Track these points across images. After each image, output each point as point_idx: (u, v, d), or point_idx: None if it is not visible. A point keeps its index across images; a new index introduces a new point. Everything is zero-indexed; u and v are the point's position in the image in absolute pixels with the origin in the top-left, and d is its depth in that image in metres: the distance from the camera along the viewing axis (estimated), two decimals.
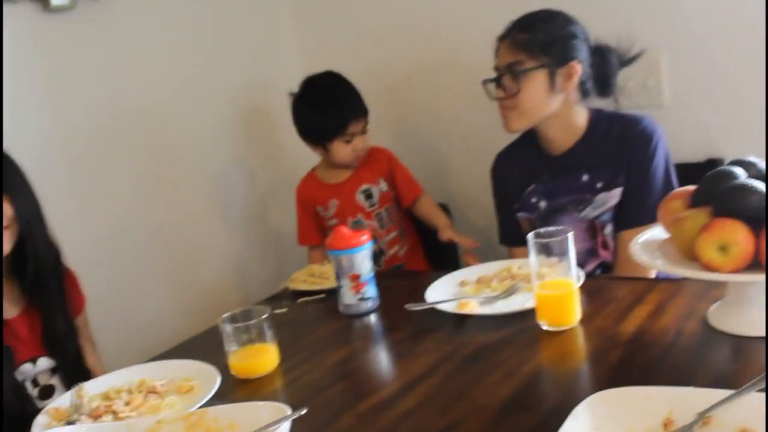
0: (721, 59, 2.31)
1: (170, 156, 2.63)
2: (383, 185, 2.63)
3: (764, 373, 1.16)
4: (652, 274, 1.99)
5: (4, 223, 1.74)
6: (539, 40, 2.05)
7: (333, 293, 2.02)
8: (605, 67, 2.12)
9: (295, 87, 2.61)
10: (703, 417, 1.11)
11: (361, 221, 2.62)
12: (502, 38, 2.12)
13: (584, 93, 2.12)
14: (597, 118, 2.16)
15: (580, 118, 2.15)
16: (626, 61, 2.16)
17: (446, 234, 2.44)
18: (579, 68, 2.06)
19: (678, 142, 2.24)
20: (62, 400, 1.60)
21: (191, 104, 2.69)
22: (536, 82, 2.05)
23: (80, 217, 2.34)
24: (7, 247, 1.75)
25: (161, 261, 2.59)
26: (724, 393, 1.13)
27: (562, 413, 1.15)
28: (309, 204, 2.69)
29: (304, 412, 1.17)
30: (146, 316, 2.52)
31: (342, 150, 2.54)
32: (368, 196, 2.62)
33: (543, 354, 1.53)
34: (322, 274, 2.17)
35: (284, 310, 2.00)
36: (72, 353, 1.89)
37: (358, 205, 2.62)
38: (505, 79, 2.09)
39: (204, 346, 1.80)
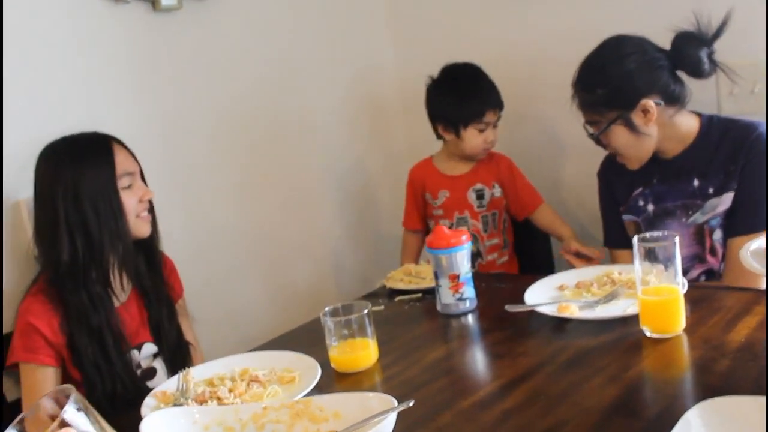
0: None
1: (270, 154, 2.68)
2: (497, 190, 2.62)
3: None
4: (762, 285, 1.93)
5: (149, 198, 1.87)
6: (600, 98, 2.05)
7: (429, 293, 2.03)
8: (685, 57, 2.05)
9: (393, 80, 2.63)
10: None
11: (467, 219, 2.61)
12: (573, 96, 2.12)
13: (675, 101, 2.06)
14: (709, 123, 2.11)
15: (688, 125, 2.11)
16: (714, 35, 2.05)
17: (572, 246, 2.36)
18: (650, 101, 2.01)
19: None
20: (169, 384, 1.65)
21: (292, 101, 2.74)
22: (618, 133, 2.07)
23: (182, 213, 2.40)
24: (150, 227, 1.89)
25: (258, 257, 2.65)
26: None
27: (669, 419, 1.13)
28: (419, 189, 2.69)
29: (411, 404, 1.18)
30: (243, 310, 2.57)
31: (474, 138, 2.53)
32: (479, 196, 2.61)
33: (647, 361, 1.50)
34: (419, 273, 2.19)
35: (381, 308, 2.01)
36: (173, 337, 1.95)
37: (468, 203, 2.61)
38: (596, 137, 2.11)
39: (304, 340, 1.83)
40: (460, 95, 2.52)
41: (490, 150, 2.60)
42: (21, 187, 1.95)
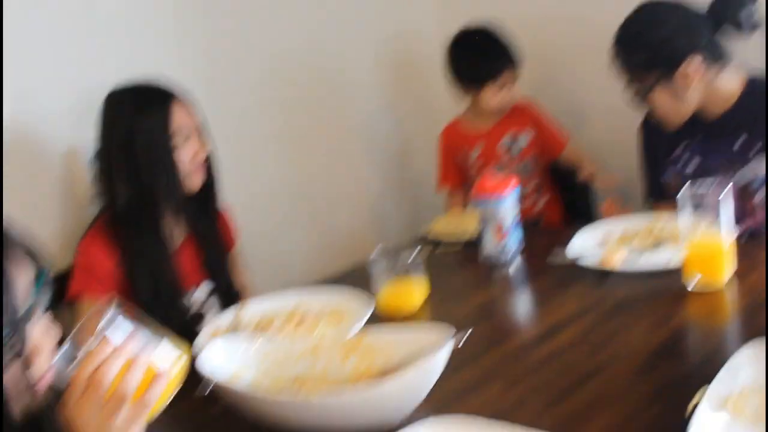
0: None
1: (313, 110, 2.71)
2: (527, 136, 2.66)
3: None
4: None
5: (204, 156, 1.90)
6: (640, 61, 2.03)
7: (472, 243, 2.06)
8: (728, 12, 2.04)
9: (436, 39, 2.65)
10: None
11: (502, 169, 2.63)
12: (612, 59, 2.11)
13: (718, 60, 2.05)
14: (753, 82, 2.10)
15: (731, 85, 2.09)
16: None
17: (586, 171, 2.41)
18: (694, 61, 2.00)
19: None
20: (222, 319, 1.71)
21: (337, 55, 2.76)
22: (659, 96, 2.05)
23: (232, 164, 2.42)
24: (201, 180, 1.91)
25: (303, 209, 2.69)
26: None
27: (714, 363, 1.15)
28: (452, 149, 2.73)
29: (468, 334, 1.21)
30: (289, 258, 2.62)
31: (492, 97, 2.57)
32: (510, 146, 2.65)
33: (691, 309, 1.53)
34: (462, 223, 2.21)
35: (426, 255, 2.03)
36: (226, 283, 2.00)
37: (500, 154, 2.65)
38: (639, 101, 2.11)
39: (351, 282, 1.87)
40: (476, 54, 2.57)
41: (509, 106, 2.64)
42: (77, 134, 2.00)
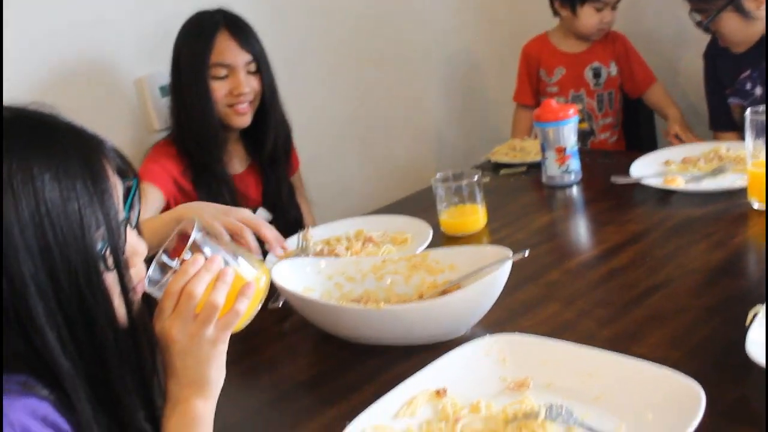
0: None
1: (378, 30, 2.71)
2: (613, 68, 2.59)
3: None
4: None
5: (251, 96, 1.90)
6: None
7: (534, 167, 2.08)
8: None
9: None
10: None
11: (582, 97, 2.60)
12: None
13: None
14: None
15: None
16: None
17: (674, 128, 2.35)
18: None
19: None
20: (289, 242, 1.77)
21: None
22: (727, 20, 2.01)
23: (294, 90, 2.46)
24: (248, 120, 1.92)
25: (365, 134, 2.72)
26: None
27: None
28: (534, 64, 2.67)
29: (526, 253, 1.25)
30: (350, 185, 2.66)
31: (590, 17, 2.49)
32: (596, 74, 2.59)
33: (753, 230, 1.53)
34: (524, 148, 2.23)
35: (486, 179, 2.06)
36: (287, 208, 2.06)
37: (585, 81, 2.60)
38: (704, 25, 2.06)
39: (413, 207, 1.91)
40: None
41: (604, 32, 2.56)
42: (141, 64, 2.06)
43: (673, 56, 2.78)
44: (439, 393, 1.06)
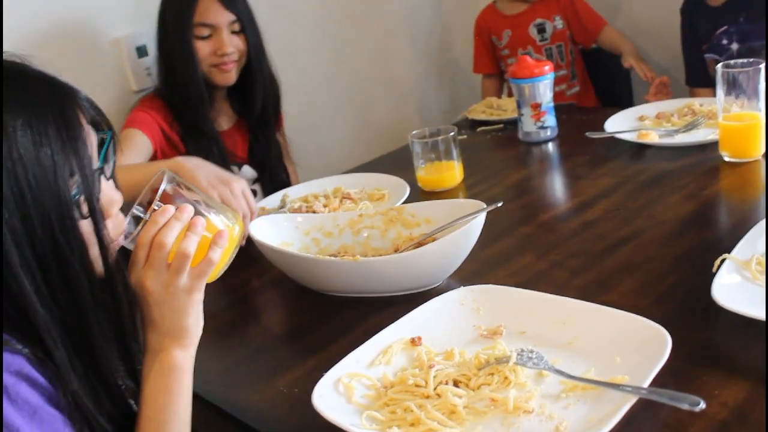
0: None
1: (356, 4, 2.71)
2: (558, 23, 2.65)
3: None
4: None
5: (236, 56, 1.90)
6: None
7: (510, 124, 2.10)
8: None
9: None
10: None
11: (531, 54, 2.64)
12: None
13: None
14: None
15: None
16: None
17: (628, 61, 2.42)
18: None
19: None
20: (269, 200, 1.79)
21: None
22: None
23: (280, 58, 2.46)
24: (232, 78, 1.92)
25: (348, 97, 2.73)
26: None
27: (741, 232, 1.19)
28: (485, 33, 2.75)
29: (500, 204, 1.27)
30: (333, 145, 2.68)
31: None
32: (541, 30, 2.65)
33: (724, 182, 1.56)
34: (500, 105, 2.25)
35: (464, 137, 2.09)
36: (274, 167, 2.06)
37: (530, 38, 2.66)
38: None
39: (390, 164, 1.93)
40: None
41: None
42: (118, 25, 2.05)
43: (639, 17, 2.80)
44: (414, 341, 1.09)
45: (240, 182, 1.49)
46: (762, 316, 0.97)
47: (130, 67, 2.07)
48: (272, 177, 2.05)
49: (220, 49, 1.87)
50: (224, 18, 1.87)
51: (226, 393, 1.11)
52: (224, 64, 1.90)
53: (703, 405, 0.84)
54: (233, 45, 1.89)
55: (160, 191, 0.93)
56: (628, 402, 0.87)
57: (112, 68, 2.07)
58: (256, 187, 2.04)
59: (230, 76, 1.92)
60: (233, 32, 1.89)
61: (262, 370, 1.15)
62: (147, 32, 2.02)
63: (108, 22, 2.04)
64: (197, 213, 0.94)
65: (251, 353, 1.22)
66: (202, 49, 1.87)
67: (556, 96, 2.61)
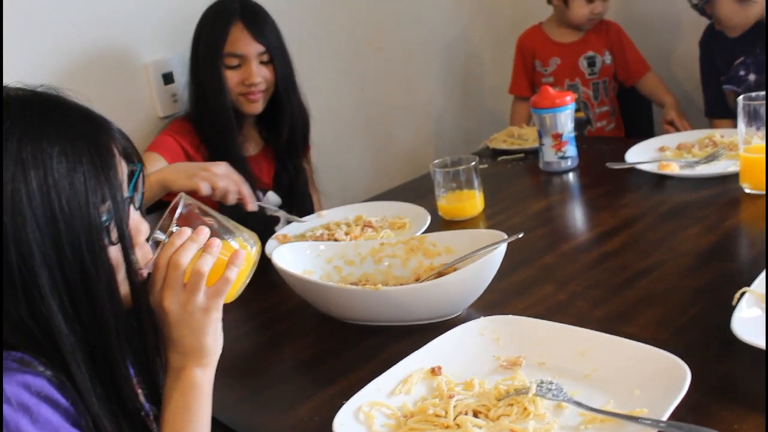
0: None
1: (377, 25, 2.73)
2: (607, 57, 2.62)
3: None
4: None
5: (263, 86, 1.94)
6: None
7: (532, 154, 2.11)
8: None
9: None
10: None
11: (578, 86, 2.63)
12: None
13: None
14: None
15: None
16: None
17: (670, 114, 2.40)
18: None
19: None
20: (288, 229, 1.81)
21: None
22: (724, 3, 2.05)
23: (310, 75, 2.49)
24: (260, 108, 1.96)
25: (365, 124, 2.74)
26: None
27: (763, 263, 1.20)
28: (528, 55, 2.71)
29: (521, 235, 1.28)
30: (350, 173, 2.69)
31: (581, 8, 2.53)
32: (591, 63, 2.62)
33: (744, 214, 1.56)
34: (522, 135, 2.26)
35: (485, 166, 2.10)
36: (302, 197, 2.09)
37: (580, 70, 2.63)
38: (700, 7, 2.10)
39: (411, 193, 1.95)
40: None
41: (597, 21, 2.58)
42: (146, 51, 2.09)
43: (668, 45, 2.79)
44: (434, 371, 1.09)
45: (220, 164, 1.56)
46: None
47: (157, 94, 2.11)
48: (297, 204, 2.07)
49: (248, 79, 1.91)
50: (253, 49, 1.91)
51: (247, 419, 1.12)
52: (252, 93, 1.93)
53: None
54: (261, 75, 1.92)
55: (176, 215, 0.96)
56: None
57: (140, 94, 2.10)
58: (280, 213, 2.06)
59: (257, 105, 1.95)
60: (262, 62, 1.93)
61: (282, 397, 1.16)
62: (174, 58, 2.07)
63: (135, 49, 2.07)
64: (214, 235, 0.97)
65: (272, 380, 1.23)
66: (231, 78, 1.91)
67: (598, 132, 2.64)
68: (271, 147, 2.07)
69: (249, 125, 2.03)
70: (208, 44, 1.91)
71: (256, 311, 1.45)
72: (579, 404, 0.97)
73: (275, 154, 2.07)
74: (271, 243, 1.72)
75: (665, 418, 0.89)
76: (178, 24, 2.03)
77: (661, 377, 0.98)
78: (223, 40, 1.90)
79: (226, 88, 1.91)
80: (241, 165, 1.93)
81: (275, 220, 2.01)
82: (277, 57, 1.94)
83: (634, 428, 0.90)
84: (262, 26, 1.93)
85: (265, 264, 1.23)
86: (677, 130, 2.26)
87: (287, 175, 2.07)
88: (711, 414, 0.94)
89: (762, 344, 1.00)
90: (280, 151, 2.06)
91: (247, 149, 2.03)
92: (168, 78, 2.11)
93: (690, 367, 0.96)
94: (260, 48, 1.91)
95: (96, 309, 0.85)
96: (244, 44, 1.90)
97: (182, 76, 2.07)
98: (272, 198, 2.04)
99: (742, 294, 1.12)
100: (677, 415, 0.90)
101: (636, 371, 1.01)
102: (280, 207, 2.05)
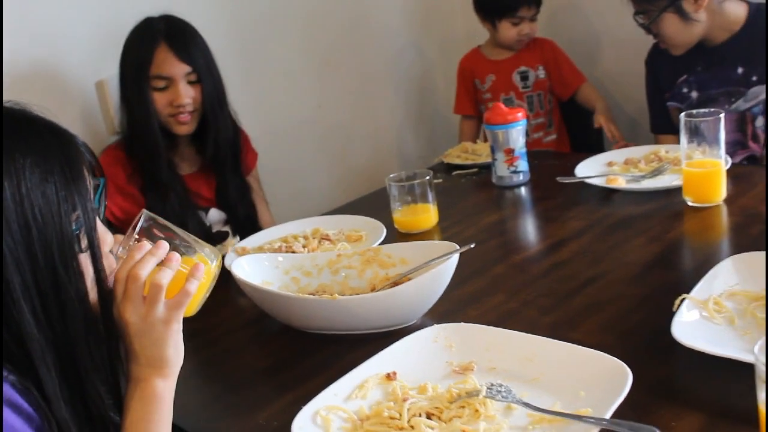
0: None
1: (337, 50, 2.78)
2: (541, 72, 2.74)
3: None
4: None
5: (191, 107, 1.93)
6: None
7: (485, 168, 2.17)
8: None
9: None
10: None
11: (513, 100, 2.75)
12: None
13: None
14: (756, 11, 2.16)
15: (736, 12, 2.16)
16: None
17: (598, 120, 2.53)
18: None
19: None
20: (248, 241, 1.84)
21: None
22: (668, 22, 2.13)
23: (259, 104, 2.52)
24: (190, 128, 1.96)
25: (327, 143, 2.79)
26: None
27: (703, 271, 1.26)
28: (468, 76, 2.84)
29: (472, 246, 1.33)
30: (312, 190, 2.73)
31: (508, 31, 2.67)
32: (524, 77, 2.74)
33: (687, 225, 1.63)
34: (475, 150, 2.32)
35: (439, 180, 2.15)
36: (242, 208, 2.11)
37: (513, 84, 2.75)
38: (647, 26, 2.18)
39: (368, 207, 1.99)
40: None
41: (527, 41, 2.72)
42: (102, 67, 2.11)
43: (597, 59, 2.91)
44: (390, 376, 1.13)
45: None
46: (717, 352, 1.03)
47: (114, 110, 2.11)
48: (242, 219, 2.09)
49: (175, 101, 1.90)
50: (180, 70, 1.90)
51: (207, 426, 1.15)
52: (180, 114, 1.93)
53: None
54: (189, 96, 1.91)
55: (137, 230, 0.99)
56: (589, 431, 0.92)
57: (98, 110, 2.12)
58: (227, 228, 2.09)
59: (187, 127, 1.95)
60: (190, 83, 1.92)
61: (242, 404, 1.19)
62: None
63: (92, 65, 2.10)
64: (175, 249, 1.00)
65: (233, 387, 1.26)
66: (159, 100, 1.91)
67: (534, 143, 2.74)
68: (207, 164, 2.07)
69: (184, 144, 2.03)
70: (134, 66, 1.91)
71: (217, 322, 1.48)
72: (527, 405, 1.01)
73: (215, 170, 2.08)
74: (230, 255, 1.74)
75: (608, 416, 0.94)
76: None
77: (605, 379, 1.03)
78: (148, 62, 1.89)
79: (154, 111, 1.91)
80: (171, 186, 1.95)
81: (224, 235, 2.04)
82: (205, 76, 1.93)
83: (579, 427, 0.95)
84: (188, 46, 1.92)
85: (225, 276, 1.26)
86: (619, 139, 2.35)
87: (229, 191, 2.08)
88: (651, 412, 0.99)
89: (699, 347, 1.06)
90: (215, 167, 2.06)
91: (184, 168, 2.04)
92: None
93: (632, 369, 1.01)
94: (187, 68, 1.91)
95: (66, 314, 0.88)
96: (170, 66, 1.89)
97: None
98: (215, 215, 2.07)
99: (682, 300, 1.18)
100: (620, 413, 0.95)
101: (581, 374, 1.06)
102: (226, 222, 2.08)
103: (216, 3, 2.37)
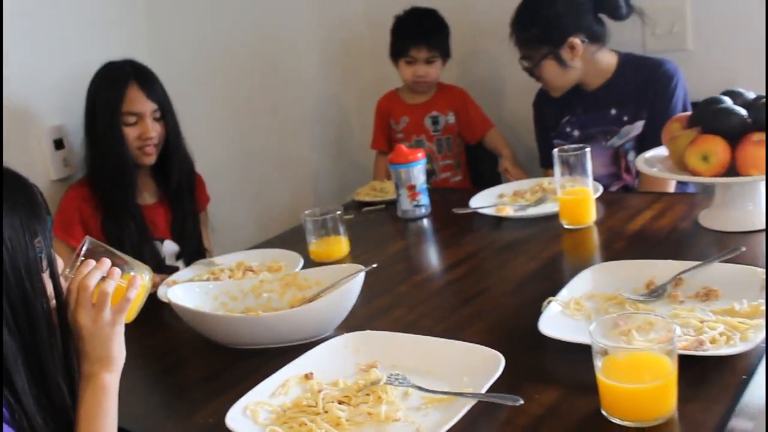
0: (742, 5, 2.57)
1: (258, 93, 3.01)
2: (451, 117, 3.01)
3: (728, 251, 1.51)
4: (670, 190, 2.33)
5: (156, 140, 2.19)
6: (534, 36, 2.42)
7: (392, 204, 2.41)
8: (606, 1, 2.42)
9: (362, 24, 3.08)
10: (675, 278, 1.47)
11: (423, 142, 3.01)
12: (510, 35, 2.47)
13: (597, 40, 2.42)
14: (625, 60, 2.47)
15: (608, 61, 2.47)
16: None
17: (504, 164, 2.81)
18: (577, 39, 2.38)
19: (699, 81, 2.51)
20: (178, 275, 2.02)
21: (276, 46, 3.09)
22: (548, 67, 2.44)
23: (197, 137, 2.71)
24: (153, 159, 2.20)
25: (248, 182, 3.00)
26: (694, 263, 1.48)
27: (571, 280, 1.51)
28: (384, 116, 3.09)
29: (375, 265, 1.55)
30: (235, 226, 2.92)
31: (405, 71, 2.93)
32: (435, 122, 3.00)
33: (563, 244, 1.89)
34: (383, 188, 2.56)
35: (351, 216, 2.38)
36: (194, 241, 2.33)
37: (425, 127, 3.02)
38: (530, 70, 2.47)
39: (287, 241, 2.20)
40: (396, 31, 2.93)
41: (424, 82, 2.95)
42: (57, 114, 2.29)
43: (502, 101, 3.21)
44: (307, 376, 1.34)
45: None
46: (571, 339, 1.28)
47: (50, 159, 2.28)
48: (193, 251, 2.30)
49: (144, 134, 2.15)
50: (148, 107, 2.15)
51: (153, 427, 1.34)
52: (147, 146, 2.17)
53: (521, 401, 1.13)
54: (155, 130, 2.17)
55: (83, 251, 1.21)
56: (468, 404, 1.15)
57: (34, 158, 2.28)
58: (180, 263, 2.27)
59: (152, 158, 2.20)
60: (155, 119, 2.17)
61: (182, 407, 1.38)
62: (67, 125, 2.28)
63: (33, 114, 2.26)
64: (115, 265, 1.22)
65: (174, 394, 1.46)
66: (130, 134, 2.14)
67: (442, 182, 2.99)
68: (166, 196, 2.28)
69: (144, 175, 2.25)
70: (105, 104, 2.13)
71: (156, 343, 1.67)
72: (420, 388, 1.24)
73: (170, 203, 2.28)
74: (162, 288, 1.93)
75: (483, 392, 1.17)
76: (71, 90, 2.23)
77: (483, 366, 1.25)
78: (120, 99, 2.12)
79: (126, 144, 2.13)
80: (132, 216, 2.15)
81: (174, 270, 2.22)
82: (168, 113, 2.20)
83: (462, 403, 1.17)
84: (153, 86, 2.17)
85: (163, 304, 1.45)
86: (515, 178, 2.63)
87: (185, 224, 2.29)
88: (520, 389, 1.21)
89: (558, 336, 1.30)
90: (171, 198, 2.28)
91: (144, 198, 2.25)
92: (59, 144, 2.29)
93: (507, 359, 1.24)
94: (153, 106, 2.16)
95: (33, 323, 1.08)
96: (140, 103, 2.14)
97: (75, 140, 2.27)
98: (170, 247, 2.25)
99: (549, 302, 1.43)
100: (495, 389, 1.18)
101: (465, 363, 1.29)
102: (178, 256, 2.27)
103: (145, 59, 2.55)
